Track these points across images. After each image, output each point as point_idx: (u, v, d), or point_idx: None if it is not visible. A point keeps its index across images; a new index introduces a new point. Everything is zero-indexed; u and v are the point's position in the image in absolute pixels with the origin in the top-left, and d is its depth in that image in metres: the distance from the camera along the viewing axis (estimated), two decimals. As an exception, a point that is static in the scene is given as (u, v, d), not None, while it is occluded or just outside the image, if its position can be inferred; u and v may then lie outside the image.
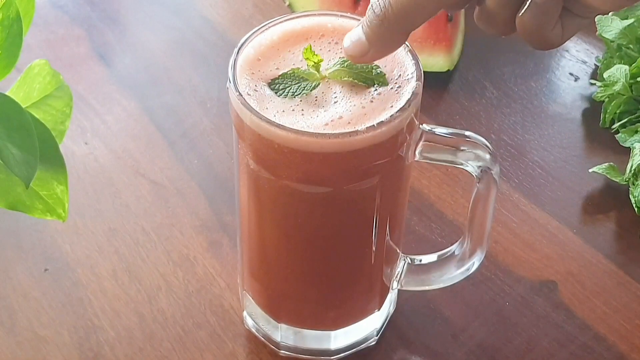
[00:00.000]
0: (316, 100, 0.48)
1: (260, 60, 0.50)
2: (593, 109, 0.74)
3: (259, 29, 0.51)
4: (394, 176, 0.50)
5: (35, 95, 0.53)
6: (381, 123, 0.46)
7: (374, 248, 0.52)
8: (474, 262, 0.55)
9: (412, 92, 0.47)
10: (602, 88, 0.72)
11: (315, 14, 0.52)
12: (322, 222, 0.50)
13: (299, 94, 0.48)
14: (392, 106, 0.47)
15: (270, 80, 0.49)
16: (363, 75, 0.48)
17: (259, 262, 0.55)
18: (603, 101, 0.73)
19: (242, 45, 0.50)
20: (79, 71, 0.78)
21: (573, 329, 0.58)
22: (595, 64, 0.79)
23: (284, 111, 0.47)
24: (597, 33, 0.74)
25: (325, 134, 0.45)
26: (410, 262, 0.57)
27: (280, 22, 0.52)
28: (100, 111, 0.74)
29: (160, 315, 0.59)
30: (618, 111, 0.71)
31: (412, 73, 0.49)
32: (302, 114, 0.47)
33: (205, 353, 0.57)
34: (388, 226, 0.52)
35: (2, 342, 0.57)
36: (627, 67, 0.70)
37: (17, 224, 0.64)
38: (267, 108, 0.47)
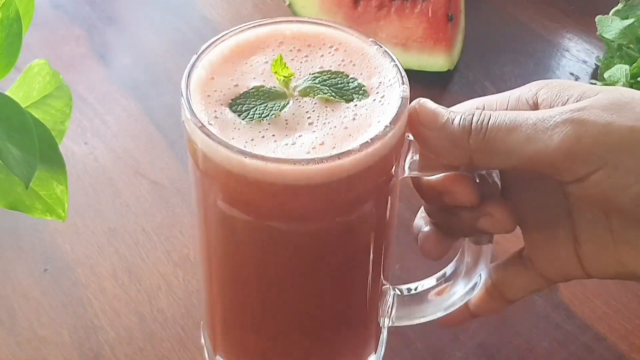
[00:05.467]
0: (287, 123, 0.41)
1: (215, 79, 0.43)
2: (593, 109, 0.74)
3: (207, 46, 0.44)
4: (386, 199, 0.44)
5: (35, 95, 0.53)
6: (375, 138, 0.40)
7: (369, 283, 0.47)
8: (481, 275, 0.49)
9: (401, 98, 0.42)
10: (602, 88, 0.72)
11: (270, 22, 0.46)
12: (308, 263, 0.44)
13: (267, 115, 0.41)
14: (379, 120, 0.41)
15: (230, 101, 0.42)
16: (339, 89, 0.43)
17: (236, 319, 0.48)
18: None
19: (192, 66, 0.43)
20: (79, 71, 0.78)
21: (573, 329, 0.58)
22: (595, 64, 0.79)
23: (252, 139, 0.40)
24: (597, 33, 0.74)
25: (313, 159, 0.39)
26: (399, 293, 0.50)
27: (232, 35, 0.45)
28: (100, 111, 0.74)
29: (160, 315, 0.59)
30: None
31: (393, 78, 0.43)
32: (275, 141, 0.40)
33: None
34: (383, 255, 0.47)
35: (2, 342, 0.57)
36: (627, 67, 0.70)
37: (17, 224, 0.64)
38: (233, 138, 0.40)
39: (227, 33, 0.45)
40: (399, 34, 0.76)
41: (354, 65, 0.44)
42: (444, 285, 0.50)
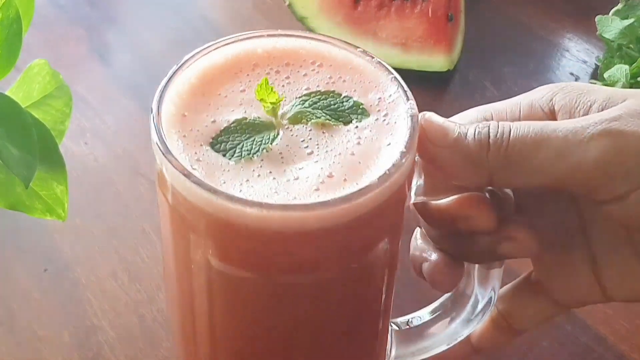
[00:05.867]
0: (282, 156, 0.36)
1: (187, 116, 0.38)
2: (593, 109, 0.74)
3: (171, 75, 0.39)
4: (400, 232, 0.40)
5: (35, 95, 0.53)
6: (393, 168, 0.35)
7: (378, 324, 0.42)
8: (490, 302, 0.44)
9: (409, 116, 0.37)
10: (602, 88, 0.72)
11: (238, 39, 0.41)
12: (315, 314, 0.39)
13: (257, 151, 0.36)
14: (389, 143, 0.37)
15: (211, 140, 0.37)
16: (333, 111, 0.38)
17: None
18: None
19: (159, 101, 0.38)
20: (79, 71, 0.78)
21: (573, 329, 0.58)
22: (595, 64, 0.79)
23: (247, 180, 0.35)
24: (597, 33, 0.74)
25: (328, 201, 0.33)
26: (397, 327, 0.45)
27: (197, 59, 0.40)
28: (100, 111, 0.74)
29: (160, 315, 0.59)
30: (618, 111, 0.71)
31: (394, 92, 0.39)
32: (274, 179, 0.35)
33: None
34: (392, 293, 0.43)
35: (2, 342, 0.57)
36: (627, 67, 0.70)
37: (17, 224, 0.64)
38: (224, 182, 0.35)
39: (191, 56, 0.40)
40: (399, 33, 0.76)
41: (344, 81, 0.40)
42: (446, 316, 0.44)
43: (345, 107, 0.38)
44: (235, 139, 0.37)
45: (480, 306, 0.44)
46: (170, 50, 0.80)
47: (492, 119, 0.40)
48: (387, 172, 0.35)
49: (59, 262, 0.62)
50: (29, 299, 0.60)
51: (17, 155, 0.46)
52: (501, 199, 0.40)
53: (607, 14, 0.74)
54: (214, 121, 0.38)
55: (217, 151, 0.36)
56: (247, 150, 0.36)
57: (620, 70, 0.70)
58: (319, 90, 0.39)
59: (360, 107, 0.38)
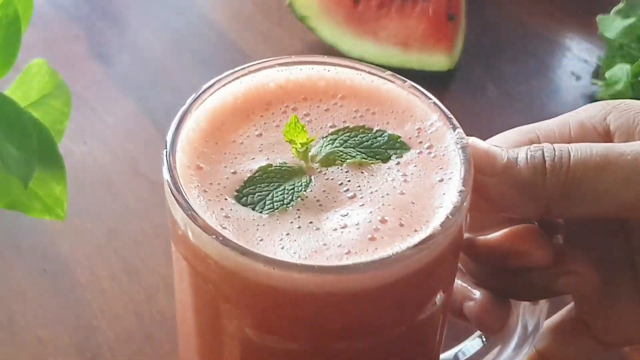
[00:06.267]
0: (319, 203, 0.32)
1: (204, 169, 0.34)
2: (594, 109, 0.74)
3: (179, 121, 0.35)
4: (455, 276, 0.36)
5: (34, 94, 0.53)
6: (455, 209, 0.31)
7: None
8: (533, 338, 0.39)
9: (459, 147, 0.33)
10: (603, 87, 0.72)
11: (245, 73, 0.36)
12: None
13: (291, 200, 0.32)
14: (441, 179, 0.33)
15: (236, 193, 0.33)
16: (368, 149, 0.34)
17: None
18: (605, 100, 0.72)
19: (169, 152, 0.33)
20: (78, 70, 0.77)
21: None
22: (596, 63, 0.78)
23: (288, 234, 0.31)
24: (598, 32, 0.73)
25: (390, 256, 0.29)
26: None
27: (205, 99, 0.36)
28: (99, 111, 0.73)
29: (159, 315, 0.58)
30: (620, 111, 0.71)
31: (436, 120, 0.35)
32: (317, 229, 0.31)
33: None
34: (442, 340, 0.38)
35: (1, 342, 0.57)
36: (628, 66, 0.70)
37: (16, 224, 0.64)
38: (261, 239, 0.31)
39: (198, 96, 0.36)
40: (400, 33, 0.75)
41: (373, 114, 0.36)
42: (487, 355, 0.40)
43: (381, 143, 0.34)
44: (263, 190, 0.33)
45: (527, 344, 0.39)
46: (170, 50, 0.80)
47: (539, 141, 0.36)
48: (450, 216, 0.31)
49: (58, 262, 0.62)
50: (28, 299, 0.59)
51: (16, 154, 0.46)
52: (551, 230, 0.37)
53: (609, 13, 0.74)
54: (234, 172, 0.34)
55: (245, 205, 0.32)
56: (279, 200, 0.32)
57: (621, 69, 0.70)
58: (347, 127, 0.35)
59: (398, 140, 0.34)
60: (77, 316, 0.58)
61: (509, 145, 0.36)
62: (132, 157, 0.69)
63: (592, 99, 0.75)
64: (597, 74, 0.77)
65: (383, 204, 0.32)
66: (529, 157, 0.34)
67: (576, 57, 0.80)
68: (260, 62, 0.37)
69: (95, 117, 0.73)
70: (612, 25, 0.73)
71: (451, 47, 0.76)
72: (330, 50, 0.76)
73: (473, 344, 0.41)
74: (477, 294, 0.38)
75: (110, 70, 0.78)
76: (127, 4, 0.86)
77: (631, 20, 0.72)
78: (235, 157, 0.34)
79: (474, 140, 0.35)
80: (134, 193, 0.67)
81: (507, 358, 0.40)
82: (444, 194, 0.32)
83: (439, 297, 0.34)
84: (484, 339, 0.40)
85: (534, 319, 0.39)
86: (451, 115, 0.35)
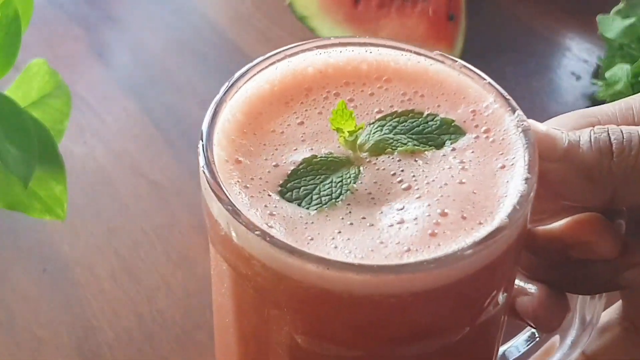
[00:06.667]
0: (371, 196, 0.30)
1: (243, 162, 0.31)
2: (594, 109, 0.74)
3: (212, 114, 0.32)
4: (516, 272, 0.33)
5: (34, 94, 0.53)
6: (522, 199, 0.29)
7: None
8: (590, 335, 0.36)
9: (522, 131, 0.31)
10: (603, 87, 0.72)
11: (281, 57, 0.34)
12: None
13: (340, 194, 0.30)
14: (502, 165, 0.30)
15: (279, 188, 0.31)
16: (420, 134, 0.31)
17: None
18: (605, 100, 0.72)
19: (206, 146, 0.31)
20: (78, 70, 0.77)
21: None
22: (597, 63, 0.78)
23: (340, 232, 0.29)
24: (598, 32, 0.73)
25: (454, 252, 0.27)
26: None
27: (238, 87, 0.33)
28: (99, 111, 0.73)
29: (160, 316, 0.58)
30: (620, 111, 0.71)
31: (492, 101, 0.32)
32: (371, 225, 0.29)
33: (204, 354, 0.56)
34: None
35: (1, 342, 0.57)
36: (628, 66, 0.70)
37: (16, 224, 0.64)
38: (311, 238, 0.28)
39: (231, 85, 0.33)
40: (400, 33, 0.75)
41: (422, 96, 0.34)
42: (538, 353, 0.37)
43: (433, 128, 0.32)
44: (308, 183, 0.30)
45: (582, 341, 0.37)
46: (170, 49, 0.80)
47: (601, 125, 0.33)
48: (517, 206, 0.29)
49: (58, 262, 0.62)
50: (28, 299, 0.59)
51: (16, 154, 0.46)
52: (613, 219, 0.34)
53: (609, 13, 0.74)
54: (276, 165, 0.31)
55: (290, 200, 0.30)
56: (327, 194, 0.30)
57: (621, 69, 0.70)
58: (395, 111, 0.33)
59: (452, 124, 0.32)
60: (77, 316, 0.58)
61: (569, 128, 0.33)
62: (132, 157, 0.69)
63: (592, 99, 0.75)
64: (597, 74, 0.77)
65: (442, 195, 0.30)
66: (593, 139, 0.31)
67: (576, 57, 0.79)
68: (296, 45, 0.34)
69: (95, 117, 0.73)
70: (612, 25, 0.73)
71: (451, 47, 0.76)
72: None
73: (524, 340, 0.39)
74: (532, 288, 0.35)
75: (110, 70, 0.78)
76: (127, 3, 0.86)
77: (631, 20, 0.72)
78: (276, 149, 0.32)
79: (532, 122, 0.33)
80: (134, 193, 0.67)
81: (562, 356, 0.37)
82: (507, 181, 0.30)
83: (502, 294, 0.32)
84: (537, 335, 0.38)
85: (590, 314, 0.37)
86: (509, 97, 0.33)
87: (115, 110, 0.74)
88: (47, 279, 0.61)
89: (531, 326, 0.37)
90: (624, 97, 0.71)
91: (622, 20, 0.73)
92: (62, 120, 0.54)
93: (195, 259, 0.62)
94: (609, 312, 0.38)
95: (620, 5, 0.74)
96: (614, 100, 0.74)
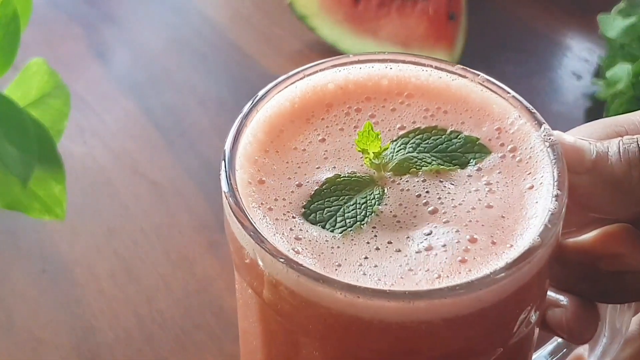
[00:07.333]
0: (397, 219, 0.29)
1: (267, 182, 0.31)
2: (596, 108, 0.74)
3: (235, 135, 0.31)
4: (546, 292, 0.32)
5: (33, 94, 0.53)
6: (553, 218, 0.28)
7: None
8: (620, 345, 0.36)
9: (550, 146, 0.30)
10: (604, 87, 0.72)
11: (300, 76, 0.33)
12: None
13: (364, 216, 0.29)
14: (531, 186, 0.29)
15: (303, 210, 0.30)
16: (443, 153, 0.30)
17: None
18: (606, 100, 0.72)
19: (228, 165, 0.30)
20: (77, 70, 0.77)
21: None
22: (597, 63, 0.78)
23: (367, 258, 0.28)
24: (599, 32, 0.73)
25: (484, 277, 0.26)
26: None
27: (260, 107, 0.33)
28: (98, 110, 0.73)
29: (159, 316, 0.58)
30: (621, 110, 0.71)
31: (517, 117, 0.31)
32: (398, 251, 0.28)
33: (204, 354, 0.56)
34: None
35: (0, 342, 0.57)
36: (629, 65, 0.70)
37: (15, 224, 0.64)
38: (338, 264, 0.28)
39: (253, 106, 0.32)
40: (400, 32, 0.75)
41: (445, 112, 0.33)
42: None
43: (457, 146, 0.31)
44: (332, 205, 0.29)
45: (612, 351, 0.36)
46: (169, 49, 0.80)
47: (628, 134, 0.33)
48: (549, 225, 0.28)
49: (58, 263, 0.62)
50: (27, 300, 0.59)
51: (15, 154, 0.46)
52: None
53: (609, 12, 0.74)
54: (299, 184, 0.31)
55: (314, 223, 0.29)
56: (352, 217, 0.29)
57: (622, 69, 0.70)
58: (418, 128, 0.32)
59: (477, 142, 0.31)
60: (76, 316, 0.58)
61: (595, 138, 0.32)
62: (131, 157, 0.69)
63: (593, 98, 0.75)
64: (598, 73, 0.77)
65: (470, 221, 0.29)
66: (622, 150, 0.31)
67: (577, 57, 0.79)
68: (316, 65, 0.34)
69: (95, 117, 0.73)
70: (613, 24, 0.73)
71: (451, 46, 0.75)
72: (330, 50, 0.76)
73: (548, 352, 0.38)
74: (562, 299, 0.34)
75: (110, 70, 0.78)
76: (127, 3, 0.86)
77: (632, 19, 0.72)
78: (299, 167, 0.31)
79: (558, 134, 0.32)
80: (134, 193, 0.66)
81: None
82: (536, 202, 0.29)
83: (535, 312, 0.31)
84: (564, 346, 0.37)
85: (619, 323, 0.36)
86: (534, 110, 0.32)
87: (114, 110, 0.73)
88: (46, 279, 0.61)
89: (563, 338, 0.36)
90: (625, 97, 0.71)
91: (623, 19, 0.73)
92: (62, 120, 0.54)
93: (195, 259, 0.62)
94: (636, 321, 0.38)
95: (621, 5, 0.74)
96: (615, 100, 0.74)
